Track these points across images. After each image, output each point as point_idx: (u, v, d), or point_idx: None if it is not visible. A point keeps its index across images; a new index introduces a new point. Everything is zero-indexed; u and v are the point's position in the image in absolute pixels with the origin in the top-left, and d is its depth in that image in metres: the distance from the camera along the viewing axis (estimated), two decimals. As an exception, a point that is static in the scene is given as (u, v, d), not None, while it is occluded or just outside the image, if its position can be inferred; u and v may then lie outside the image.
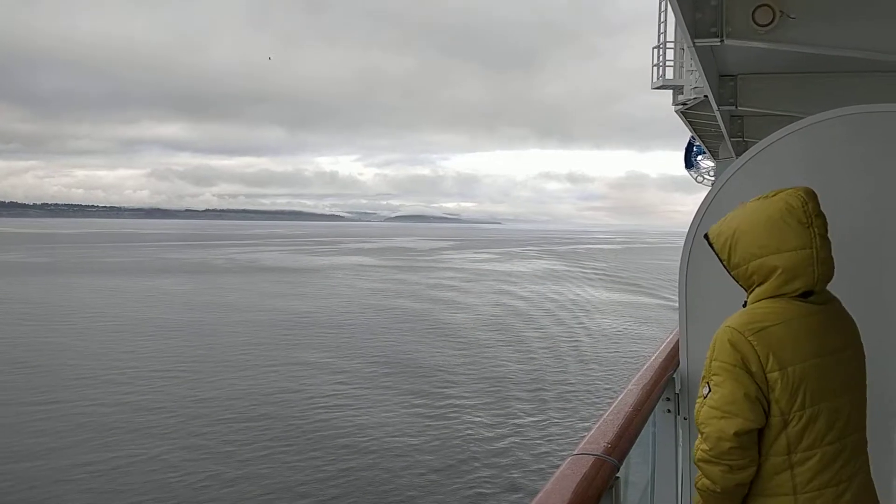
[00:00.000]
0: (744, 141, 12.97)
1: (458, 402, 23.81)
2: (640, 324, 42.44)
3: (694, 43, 5.69)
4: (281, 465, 17.84)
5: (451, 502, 16.12)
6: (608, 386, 26.00)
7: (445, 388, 25.76)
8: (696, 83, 14.81)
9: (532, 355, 31.98)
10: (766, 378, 2.50)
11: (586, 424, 20.23)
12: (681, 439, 4.23)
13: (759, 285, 2.67)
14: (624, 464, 2.87)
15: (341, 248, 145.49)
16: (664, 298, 51.82)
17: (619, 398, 3.45)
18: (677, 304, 4.22)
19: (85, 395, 24.40)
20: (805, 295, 2.61)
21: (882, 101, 3.99)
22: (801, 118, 3.99)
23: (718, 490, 2.57)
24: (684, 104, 16.67)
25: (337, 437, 19.95)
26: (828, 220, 3.92)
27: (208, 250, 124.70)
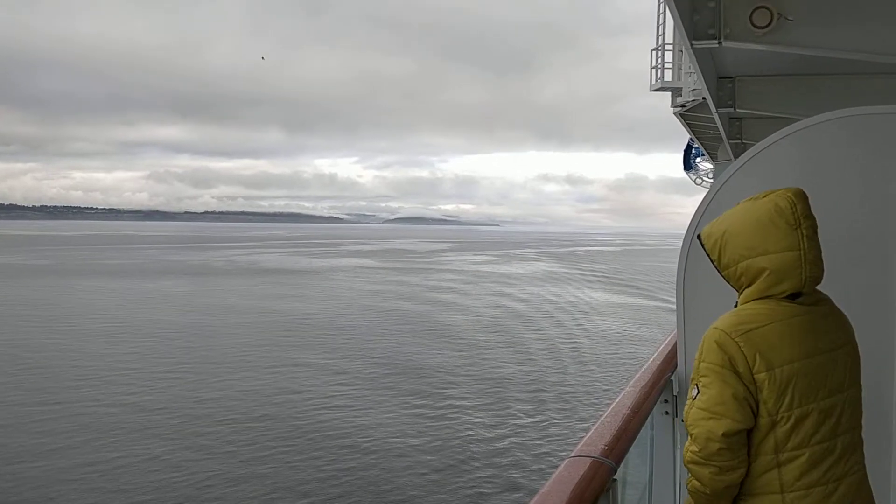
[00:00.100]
0: (742, 143, 12.98)
1: (457, 403, 23.90)
2: (638, 326, 42.45)
3: (692, 45, 5.69)
4: (283, 465, 17.94)
5: (451, 501, 16.20)
6: (607, 387, 26.06)
7: (445, 388, 25.86)
8: (695, 85, 14.82)
9: (531, 357, 32.05)
10: (753, 379, 2.50)
11: (585, 425, 20.31)
12: (679, 441, 4.21)
13: (747, 286, 2.67)
14: (622, 466, 2.87)
15: (340, 249, 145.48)
16: (663, 300, 51.83)
17: (617, 400, 3.44)
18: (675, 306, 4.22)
19: (87, 396, 24.50)
20: (794, 296, 2.62)
21: (880, 102, 4.00)
22: (800, 120, 4.00)
23: (708, 492, 2.58)
24: (683, 106, 16.68)
25: (338, 438, 20.05)
26: (825, 222, 3.91)
27: (208, 252, 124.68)
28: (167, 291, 58.00)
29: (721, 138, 14.29)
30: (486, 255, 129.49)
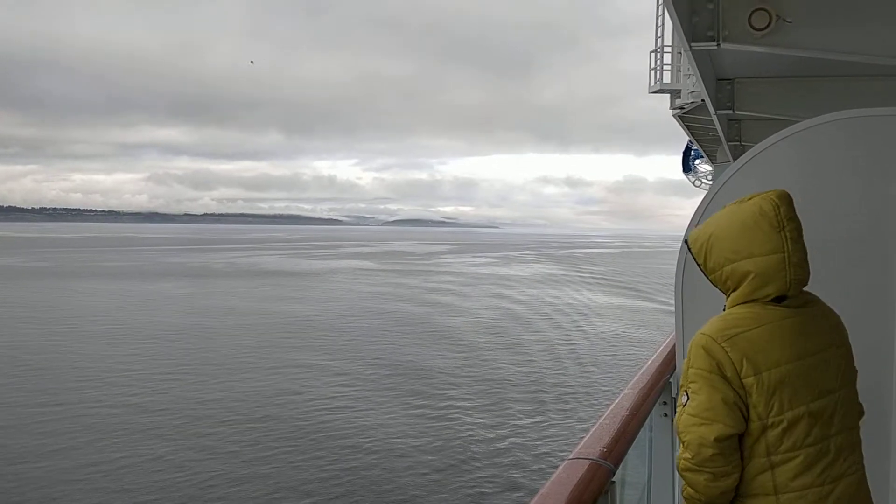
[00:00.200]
0: (741, 145, 12.96)
1: (458, 404, 24.03)
2: (637, 327, 42.50)
3: (691, 47, 5.69)
4: (285, 465, 18.06)
5: (452, 501, 16.31)
6: (606, 388, 26.14)
7: (445, 389, 25.99)
8: (694, 87, 14.82)
9: (531, 358, 32.15)
10: (742, 383, 2.49)
11: (584, 426, 20.38)
12: (677, 443, 4.22)
13: (734, 290, 2.65)
14: (620, 468, 2.86)
15: (340, 252, 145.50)
16: (661, 302, 51.83)
17: (616, 402, 3.44)
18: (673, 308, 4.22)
19: (89, 397, 24.62)
20: (780, 299, 2.60)
21: (878, 104, 3.99)
22: (798, 122, 3.99)
23: (703, 499, 2.55)
24: (682, 108, 16.68)
25: (340, 438, 20.19)
26: (825, 223, 3.91)
27: (208, 254, 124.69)
28: (167, 293, 58.04)
29: (720, 140, 14.29)
30: (486, 257, 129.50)
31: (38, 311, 46.54)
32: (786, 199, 2.64)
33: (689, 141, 25.03)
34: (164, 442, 19.84)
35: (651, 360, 4.40)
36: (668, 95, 17.44)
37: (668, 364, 4.28)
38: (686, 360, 2.61)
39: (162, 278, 72.15)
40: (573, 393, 25.89)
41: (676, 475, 4.21)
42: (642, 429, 3.50)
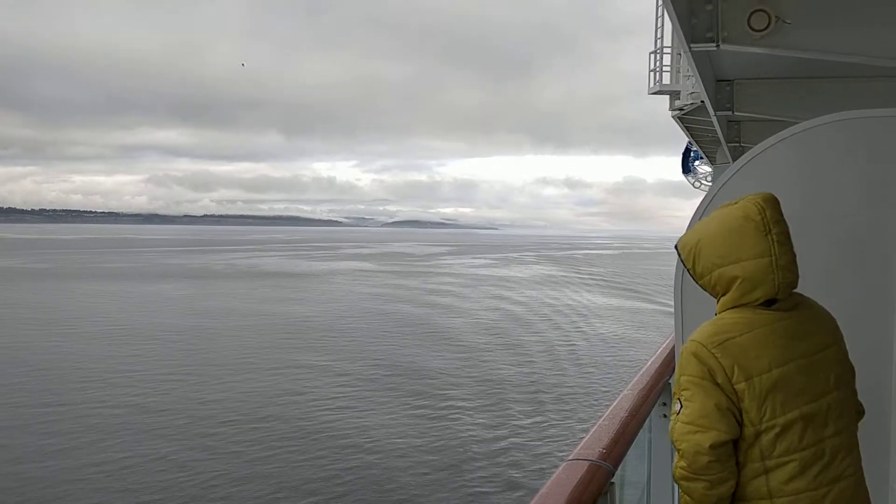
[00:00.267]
0: (741, 146, 12.94)
1: (458, 405, 24.14)
2: (636, 329, 42.55)
3: (690, 48, 5.68)
4: (287, 465, 18.18)
5: (453, 500, 16.41)
6: (605, 389, 26.18)
7: (446, 390, 26.09)
8: (693, 88, 14.82)
9: (530, 359, 32.24)
10: (734, 389, 2.47)
11: (584, 426, 20.43)
12: (676, 446, 4.21)
13: (723, 295, 2.64)
14: (619, 469, 2.86)
15: (340, 253, 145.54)
16: (661, 304, 51.86)
17: (615, 403, 3.45)
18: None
19: (92, 398, 24.70)
20: (770, 302, 2.58)
21: (878, 105, 3.99)
22: (798, 123, 3.99)
23: None
24: (681, 109, 16.69)
25: (341, 438, 20.30)
26: (824, 224, 3.92)
27: (208, 256, 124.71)
28: (168, 295, 58.08)
29: (719, 141, 14.29)
30: (485, 258, 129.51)
31: (39, 312, 46.62)
32: (771, 202, 2.62)
33: (689, 142, 25.06)
34: (166, 442, 19.95)
35: (650, 361, 4.41)
36: (667, 97, 17.46)
37: (668, 365, 4.28)
38: (677, 367, 2.59)
39: (162, 280, 72.19)
40: (573, 393, 25.98)
41: (676, 476, 4.21)
42: (642, 430, 3.50)
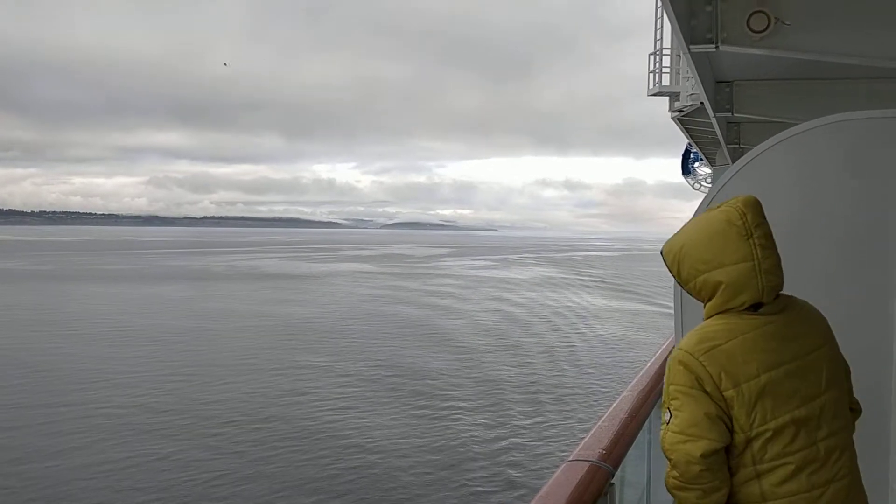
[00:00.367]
0: (740, 147, 12.96)
1: (459, 405, 24.20)
2: (636, 330, 42.53)
3: (689, 49, 5.70)
4: (290, 465, 18.29)
5: (454, 499, 16.51)
6: (605, 390, 26.20)
7: (446, 391, 26.15)
8: (693, 90, 14.84)
9: (530, 360, 32.25)
10: (722, 396, 2.46)
11: (584, 426, 20.49)
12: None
13: (709, 300, 2.63)
14: (619, 470, 2.87)
15: (339, 254, 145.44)
16: (661, 305, 51.82)
17: (615, 404, 3.46)
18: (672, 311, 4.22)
19: (96, 398, 24.74)
20: (756, 306, 2.57)
21: (877, 107, 4.00)
22: (797, 124, 4.00)
23: None
24: (681, 111, 16.72)
25: (343, 438, 20.39)
26: (823, 225, 3.92)
27: (208, 257, 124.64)
28: (168, 296, 58.07)
29: (719, 143, 14.31)
30: (485, 260, 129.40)
31: (39, 313, 46.60)
32: (752, 206, 2.60)
33: (689, 143, 25.10)
34: (169, 442, 20.03)
35: (650, 362, 4.42)
36: (667, 98, 17.49)
37: (668, 367, 4.28)
38: (665, 376, 2.58)
39: (163, 281, 72.14)
40: (572, 394, 26.05)
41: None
42: (641, 431, 3.51)
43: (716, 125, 11.43)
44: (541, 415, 23.17)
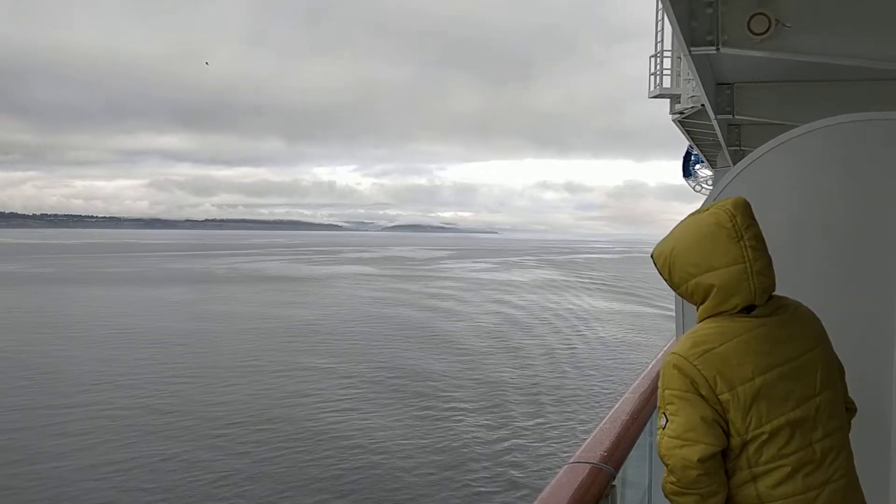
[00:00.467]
0: (741, 150, 12.94)
1: (461, 407, 24.31)
2: (637, 332, 42.54)
3: (690, 51, 5.70)
4: (294, 465, 18.43)
5: (456, 499, 16.63)
6: (607, 391, 26.24)
7: (448, 392, 26.26)
8: (693, 92, 14.83)
9: (531, 362, 32.31)
10: (718, 400, 2.45)
11: (585, 428, 20.52)
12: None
13: (701, 303, 2.62)
14: (621, 472, 2.87)
15: (340, 257, 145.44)
16: (662, 308, 51.81)
17: (616, 406, 3.46)
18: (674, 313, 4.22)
19: (100, 400, 24.84)
20: (749, 308, 2.56)
21: (878, 108, 4.00)
22: (798, 126, 4.00)
23: None
24: (681, 113, 16.72)
25: (346, 439, 20.51)
26: (823, 227, 3.92)
27: (210, 260, 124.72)
28: (170, 299, 58.13)
29: (720, 145, 14.29)
30: (485, 262, 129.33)
31: (42, 316, 46.67)
32: (742, 207, 2.60)
33: (689, 146, 25.10)
34: (174, 443, 20.16)
35: (651, 364, 4.42)
36: (667, 100, 17.50)
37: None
38: (660, 381, 2.57)
39: (165, 284, 72.21)
40: (574, 396, 26.13)
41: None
42: (643, 432, 3.51)
43: (716, 127, 11.42)
44: (542, 416, 23.26)
